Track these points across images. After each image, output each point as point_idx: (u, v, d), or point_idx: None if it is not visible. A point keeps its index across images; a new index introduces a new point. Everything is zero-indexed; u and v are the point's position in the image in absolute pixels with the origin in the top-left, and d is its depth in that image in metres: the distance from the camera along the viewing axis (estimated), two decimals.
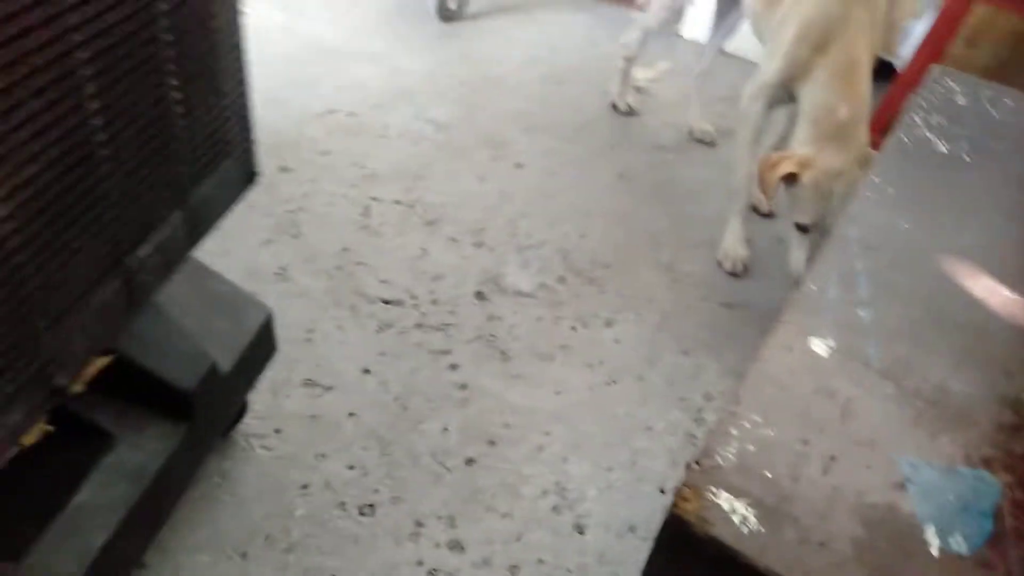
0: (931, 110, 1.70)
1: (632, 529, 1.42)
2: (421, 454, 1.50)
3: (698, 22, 3.09)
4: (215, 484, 1.40)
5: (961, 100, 1.76)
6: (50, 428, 0.93)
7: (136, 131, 0.86)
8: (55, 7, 0.70)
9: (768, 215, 2.32)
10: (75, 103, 0.76)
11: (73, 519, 0.99)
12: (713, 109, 2.73)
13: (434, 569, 1.33)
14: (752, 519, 0.81)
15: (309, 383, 1.60)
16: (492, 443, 1.54)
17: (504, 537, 1.39)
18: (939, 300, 1.14)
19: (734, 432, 0.90)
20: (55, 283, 0.79)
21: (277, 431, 1.50)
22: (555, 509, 1.44)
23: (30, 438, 0.95)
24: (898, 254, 1.23)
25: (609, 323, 1.87)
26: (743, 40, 2.52)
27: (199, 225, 1.05)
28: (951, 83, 1.84)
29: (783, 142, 2.22)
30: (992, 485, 0.89)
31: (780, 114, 2.20)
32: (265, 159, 2.22)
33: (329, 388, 1.59)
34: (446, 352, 1.71)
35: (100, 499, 1.02)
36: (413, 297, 1.84)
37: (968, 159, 1.53)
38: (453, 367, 1.68)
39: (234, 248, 1.90)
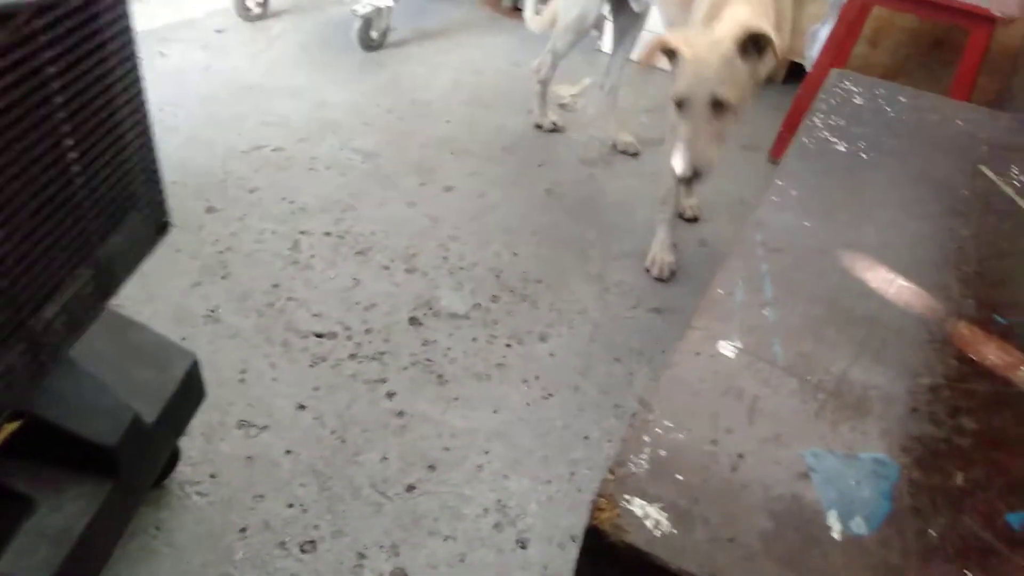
0: (830, 112, 1.78)
1: (573, 539, 1.44)
2: (361, 485, 1.50)
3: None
4: (151, 536, 1.38)
5: (858, 100, 1.85)
6: None
7: (31, 193, 0.85)
8: None
9: (693, 220, 2.39)
10: None
11: None
12: (637, 120, 2.81)
13: None
14: (665, 523, 0.84)
15: (244, 424, 1.59)
16: (432, 467, 1.55)
17: (448, 560, 1.40)
18: (839, 295, 1.20)
19: (646, 439, 0.94)
20: None
21: (212, 476, 1.48)
22: (497, 527, 1.46)
23: None
24: (801, 254, 1.29)
25: (543, 337, 1.90)
26: None
27: (110, 280, 1.04)
28: (849, 84, 1.93)
29: None
30: (890, 467, 0.93)
31: None
32: (191, 201, 2.21)
33: (264, 427, 1.59)
34: (382, 381, 1.72)
35: (22, 566, 1.00)
36: (346, 328, 1.84)
37: (866, 157, 1.61)
38: (390, 395, 1.69)
39: (161, 293, 1.88)
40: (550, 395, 1.75)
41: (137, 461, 1.18)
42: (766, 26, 1.70)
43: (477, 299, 1.98)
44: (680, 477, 0.90)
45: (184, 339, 1.76)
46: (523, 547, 1.43)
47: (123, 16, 0.99)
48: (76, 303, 0.98)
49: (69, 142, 0.90)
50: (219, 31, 3.17)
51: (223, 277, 1.95)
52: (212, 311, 1.85)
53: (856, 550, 0.84)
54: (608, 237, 2.27)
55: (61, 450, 1.09)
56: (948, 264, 1.31)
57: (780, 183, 1.48)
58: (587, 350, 1.88)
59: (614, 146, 2.69)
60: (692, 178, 1.78)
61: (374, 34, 3.13)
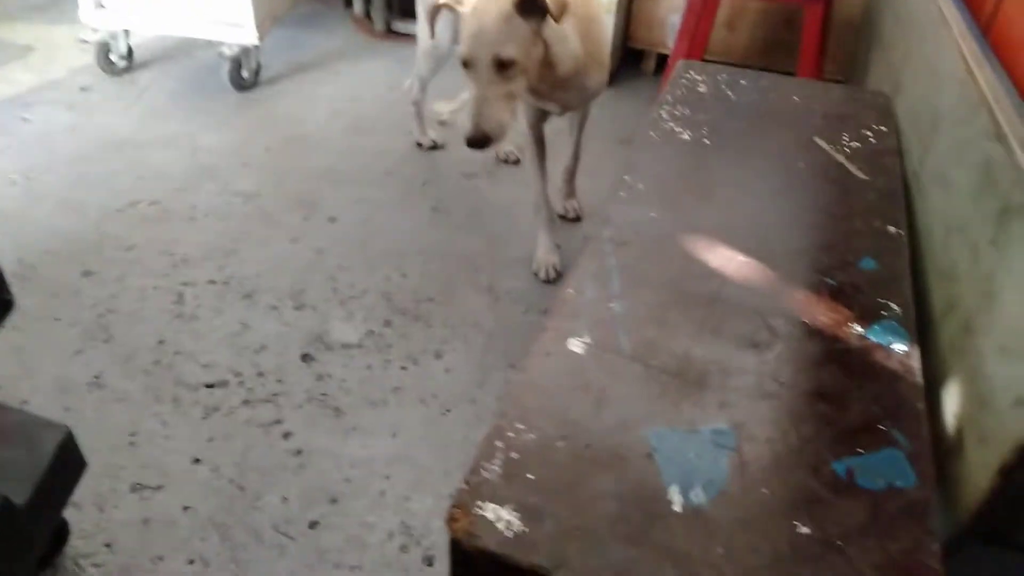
0: (676, 102, 1.87)
1: None
2: (263, 529, 1.50)
3: None
4: None
5: (702, 88, 1.95)
6: None
7: None
8: None
9: (576, 220, 2.46)
10: None
11: None
12: (517, 128, 2.86)
13: None
14: (516, 522, 0.88)
15: (137, 487, 1.56)
16: (334, 501, 1.56)
17: None
18: (682, 280, 1.27)
19: (499, 444, 0.98)
20: None
21: (107, 545, 1.45)
22: (403, 548, 1.47)
23: None
24: (647, 245, 1.36)
25: (438, 355, 1.93)
26: None
27: None
28: (694, 74, 2.03)
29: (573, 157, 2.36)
30: (728, 435, 1.00)
31: (566, 134, 2.34)
32: (65, 267, 2.16)
33: (159, 487, 1.56)
34: (277, 422, 1.72)
35: None
36: (237, 374, 1.83)
37: (709, 143, 1.70)
38: (286, 435, 1.69)
39: (40, 366, 1.83)
40: (448, 411, 1.78)
41: (10, 544, 1.16)
42: None
43: (369, 326, 2.00)
44: (531, 476, 0.94)
45: (68, 409, 1.72)
46: (430, 564, 1.45)
47: None
48: None
49: None
50: (84, 89, 3.09)
51: (105, 341, 1.91)
52: (96, 377, 1.81)
53: (695, 519, 0.90)
54: (496, 246, 2.32)
55: None
56: (783, 234, 1.40)
57: (627, 178, 1.55)
58: (482, 361, 1.92)
59: (496, 156, 2.75)
60: (481, 142, 1.69)
61: (245, 73, 3.11)
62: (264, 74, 3.24)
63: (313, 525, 1.51)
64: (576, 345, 1.13)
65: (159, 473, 1.59)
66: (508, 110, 1.73)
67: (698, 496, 0.91)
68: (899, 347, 1.13)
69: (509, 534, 0.87)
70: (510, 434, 0.99)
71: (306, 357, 1.90)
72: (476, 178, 2.66)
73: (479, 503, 0.90)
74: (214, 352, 1.89)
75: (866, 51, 2.79)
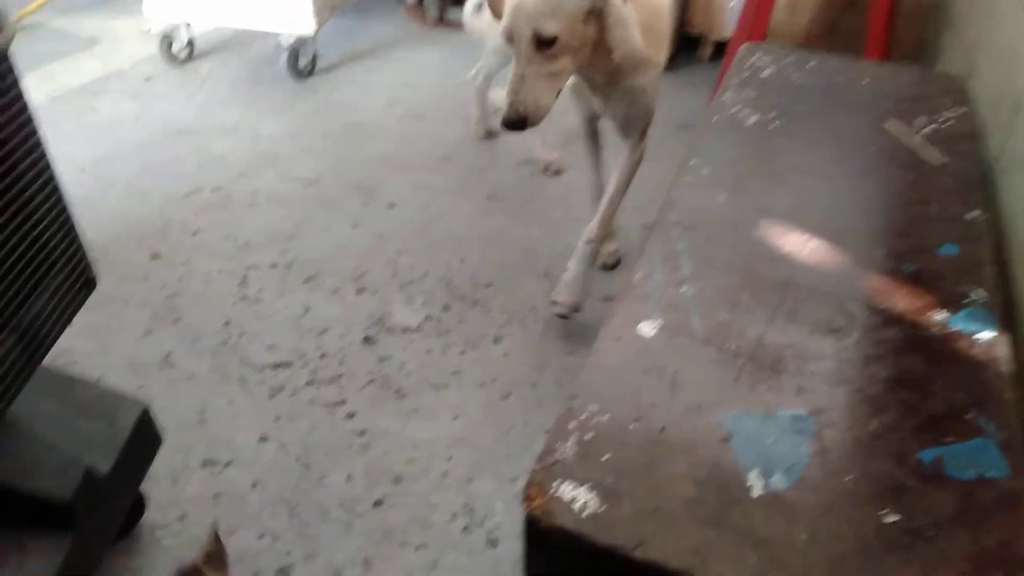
0: (741, 86, 1.84)
1: None
2: (329, 507, 1.53)
3: None
4: None
5: (768, 71, 1.91)
6: None
7: None
8: None
9: (615, 266, 2.23)
10: None
11: None
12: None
13: None
14: (592, 502, 0.88)
15: (208, 463, 1.61)
16: (397, 481, 1.58)
17: (421, 568, 1.43)
18: (754, 263, 1.25)
19: (572, 425, 0.98)
20: None
21: (181, 517, 1.50)
22: (466, 529, 1.49)
23: None
24: (716, 229, 1.34)
25: (497, 340, 1.94)
26: None
27: (37, 343, 1.06)
28: (759, 57, 1.99)
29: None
30: (807, 421, 0.98)
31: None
32: (135, 251, 2.22)
33: (228, 464, 1.61)
34: (341, 403, 1.75)
35: None
36: (301, 356, 1.87)
37: (776, 126, 1.66)
38: (350, 416, 1.72)
39: (113, 345, 1.89)
40: (508, 395, 1.78)
41: (95, 513, 1.20)
42: None
43: (429, 310, 2.02)
44: (606, 457, 0.94)
45: (141, 387, 1.77)
46: (493, 546, 1.46)
47: (13, 85, 1.01)
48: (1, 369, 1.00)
49: None
50: (148, 79, 3.17)
51: (174, 322, 1.97)
52: (166, 357, 1.87)
53: (775, 505, 0.88)
54: (552, 233, 2.32)
55: (17, 511, 1.11)
56: (857, 220, 1.37)
57: (692, 162, 1.53)
58: (540, 346, 1.92)
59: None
60: (518, 123, 1.56)
61: (302, 62, 3.16)
62: (320, 63, 3.28)
63: (377, 504, 1.53)
64: (647, 329, 1.12)
65: (228, 450, 1.63)
66: (550, 92, 1.59)
67: (779, 481, 0.90)
68: (984, 335, 1.09)
69: (586, 513, 0.87)
70: (583, 416, 0.99)
71: (367, 340, 1.92)
72: (533, 166, 2.66)
73: (555, 483, 0.90)
74: (278, 334, 1.93)
75: (936, 33, 2.69)
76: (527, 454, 1.64)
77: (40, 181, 1.06)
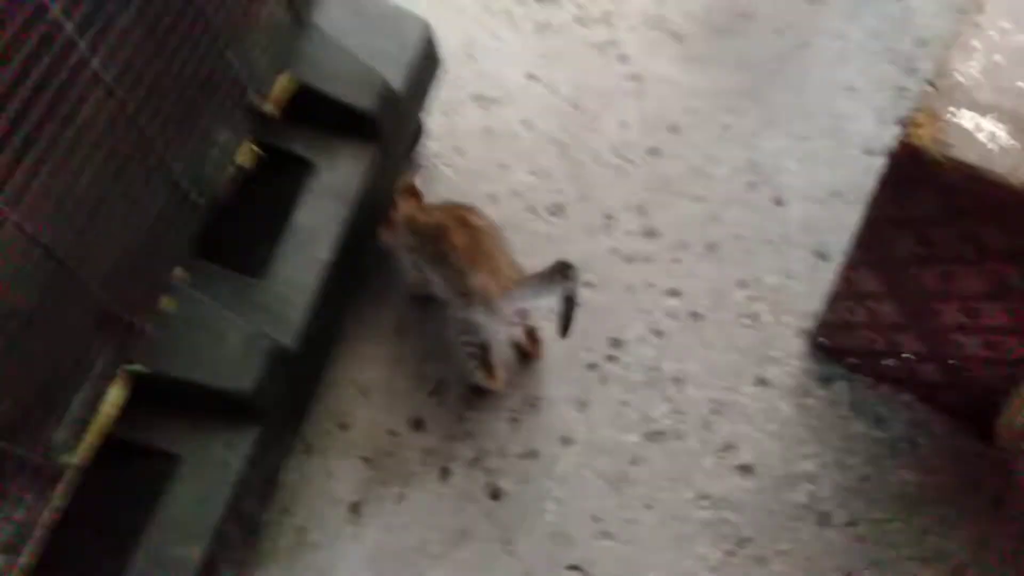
0: None
1: (836, 194, 1.34)
2: (601, 151, 1.46)
3: None
4: None
5: None
6: (259, 151, 1.00)
7: None
8: None
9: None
10: None
11: (297, 236, 1.08)
12: None
13: (630, 255, 1.35)
14: (1002, 135, 0.71)
15: (478, 98, 1.57)
16: (675, 130, 1.47)
17: (699, 219, 1.37)
18: None
19: (976, 44, 0.77)
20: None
21: (456, 149, 1.51)
22: (750, 185, 1.38)
23: (245, 158, 1.02)
24: None
25: None
26: None
27: None
28: None
29: None
30: None
31: None
32: None
33: (497, 100, 1.56)
34: (611, 43, 1.59)
35: (315, 218, 1.10)
36: None
37: None
38: (622, 59, 1.57)
39: None
40: (806, 44, 1.53)
41: (390, 126, 1.21)
42: None
43: None
44: (1022, 85, 0.74)
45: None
46: (779, 205, 1.36)
47: None
48: None
49: None
50: None
51: None
52: None
53: None
54: None
55: (327, 117, 1.13)
56: None
57: None
58: None
59: None
60: None
61: None
62: None
63: (653, 152, 1.45)
64: None
65: (497, 86, 1.58)
66: None
67: None
68: None
69: (993, 147, 0.70)
70: (991, 33, 0.77)
71: None
72: None
73: (951, 109, 0.73)
74: None
75: None
76: (823, 113, 1.45)
77: None
